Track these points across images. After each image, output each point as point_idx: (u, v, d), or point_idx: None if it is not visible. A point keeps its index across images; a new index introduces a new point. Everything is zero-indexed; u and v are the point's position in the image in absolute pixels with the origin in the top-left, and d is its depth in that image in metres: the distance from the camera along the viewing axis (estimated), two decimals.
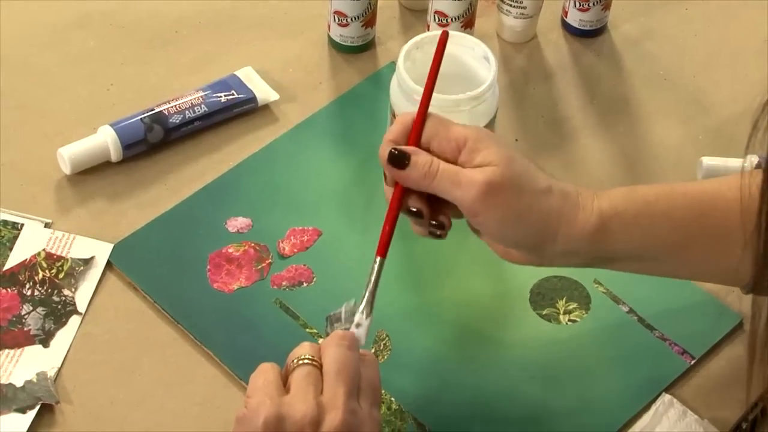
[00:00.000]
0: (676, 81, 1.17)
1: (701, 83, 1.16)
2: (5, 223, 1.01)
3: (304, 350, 0.81)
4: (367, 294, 0.84)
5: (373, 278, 0.85)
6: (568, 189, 0.86)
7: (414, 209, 0.85)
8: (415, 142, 0.85)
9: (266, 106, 1.11)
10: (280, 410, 0.77)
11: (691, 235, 0.87)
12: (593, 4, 1.17)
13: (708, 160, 1.07)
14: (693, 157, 1.08)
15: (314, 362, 0.80)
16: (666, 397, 0.93)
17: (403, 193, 0.85)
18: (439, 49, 0.89)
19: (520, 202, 0.83)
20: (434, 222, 0.86)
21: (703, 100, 1.15)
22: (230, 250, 1.01)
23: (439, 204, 0.86)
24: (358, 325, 0.84)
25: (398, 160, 0.84)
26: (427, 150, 0.84)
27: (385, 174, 0.86)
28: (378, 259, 0.85)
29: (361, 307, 0.84)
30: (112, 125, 1.05)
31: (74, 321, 0.96)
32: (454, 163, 0.84)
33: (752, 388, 0.71)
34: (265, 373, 0.80)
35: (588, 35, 1.19)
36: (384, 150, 0.84)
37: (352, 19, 1.13)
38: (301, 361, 0.80)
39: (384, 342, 0.96)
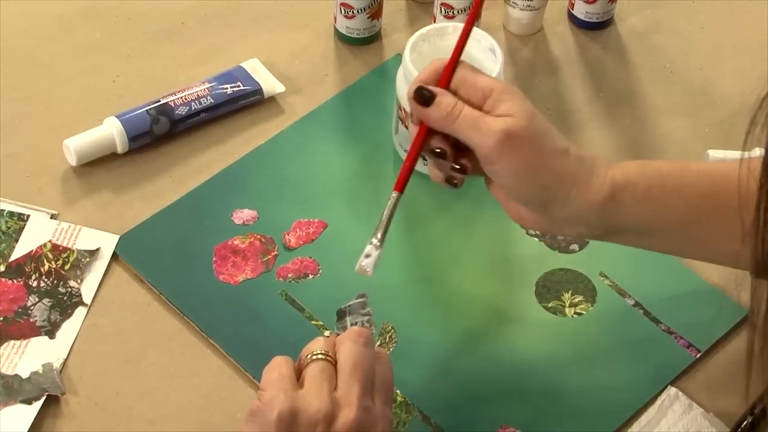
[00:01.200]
0: (683, 74, 1.17)
1: (708, 76, 1.16)
2: (11, 214, 1.01)
3: (318, 345, 0.81)
4: (381, 225, 0.84)
5: (386, 212, 0.84)
6: (585, 155, 0.86)
7: (438, 149, 0.85)
8: (444, 86, 0.86)
9: (272, 98, 1.11)
10: (295, 404, 0.77)
11: (703, 212, 0.86)
12: None
13: (714, 153, 1.07)
14: (699, 150, 1.08)
15: (328, 357, 0.80)
16: (671, 390, 0.93)
17: (427, 133, 0.85)
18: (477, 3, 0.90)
19: (536, 157, 0.84)
20: (456, 166, 0.86)
21: (710, 93, 1.15)
22: (236, 242, 1.01)
23: (462, 152, 0.86)
24: (367, 256, 0.83)
25: (424, 98, 0.84)
26: (455, 95, 0.85)
27: (411, 113, 0.86)
28: (394, 194, 0.85)
29: (375, 236, 0.84)
30: (118, 117, 1.05)
31: (80, 312, 0.97)
32: (479, 110, 0.85)
33: (752, 383, 0.71)
34: (279, 367, 0.80)
35: (594, 28, 1.19)
36: (412, 88, 0.85)
37: (358, 11, 1.13)
38: (315, 356, 0.80)
39: (390, 334, 0.96)
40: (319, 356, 0.80)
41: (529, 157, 0.83)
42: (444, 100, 0.84)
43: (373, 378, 0.80)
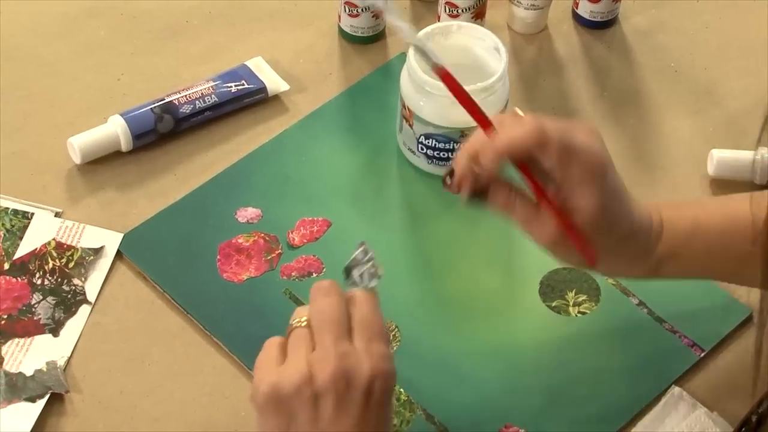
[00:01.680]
0: (687, 73, 1.17)
1: (712, 75, 1.16)
2: (15, 212, 1.01)
3: (297, 314, 0.81)
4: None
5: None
6: (644, 225, 0.87)
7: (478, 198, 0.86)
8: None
9: (276, 97, 1.11)
10: (273, 379, 0.77)
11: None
12: None
13: (719, 153, 1.06)
14: (704, 150, 1.08)
15: (302, 322, 0.79)
16: (675, 390, 0.93)
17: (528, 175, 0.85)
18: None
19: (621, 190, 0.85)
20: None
21: (714, 93, 1.15)
22: (240, 241, 1.01)
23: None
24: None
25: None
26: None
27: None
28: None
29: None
30: (122, 115, 1.06)
31: (84, 310, 0.97)
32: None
33: (759, 383, 0.71)
34: (266, 350, 0.80)
35: (599, 27, 1.19)
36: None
37: (362, 10, 1.13)
38: (293, 327, 0.80)
39: (393, 333, 0.96)
40: (295, 324, 0.79)
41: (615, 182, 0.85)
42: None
43: (347, 322, 0.79)
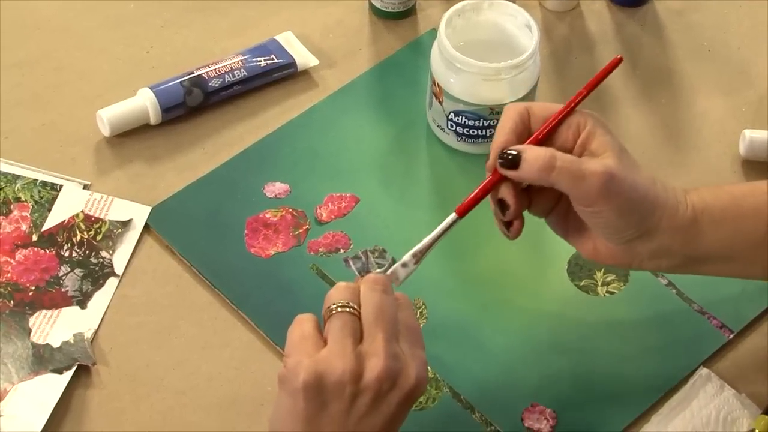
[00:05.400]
0: (720, 52, 1.16)
1: (745, 55, 1.15)
2: (44, 184, 1.02)
3: (339, 294, 0.80)
4: (426, 244, 0.84)
5: (436, 231, 0.84)
6: (664, 182, 0.85)
7: (501, 200, 0.85)
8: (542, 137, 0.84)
9: (306, 72, 1.11)
10: (318, 368, 0.76)
11: None
12: None
13: (751, 133, 1.06)
14: (736, 130, 1.07)
15: (350, 309, 0.79)
16: (703, 371, 0.93)
17: (498, 182, 0.84)
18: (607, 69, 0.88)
19: (634, 191, 0.82)
20: (506, 220, 0.86)
21: (747, 72, 1.14)
22: (268, 216, 1.01)
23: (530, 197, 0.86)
24: (404, 265, 0.83)
25: (511, 162, 0.82)
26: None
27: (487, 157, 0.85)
28: (453, 215, 0.84)
29: (415, 249, 0.84)
30: (151, 88, 1.05)
31: (111, 283, 0.97)
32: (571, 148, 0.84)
33: None
34: (301, 326, 0.79)
35: (632, 5, 1.18)
36: (492, 157, 0.84)
37: None
38: (336, 309, 0.79)
39: (420, 310, 0.96)
40: (340, 308, 0.79)
41: (629, 192, 0.82)
42: (533, 154, 0.82)
43: (398, 324, 0.79)
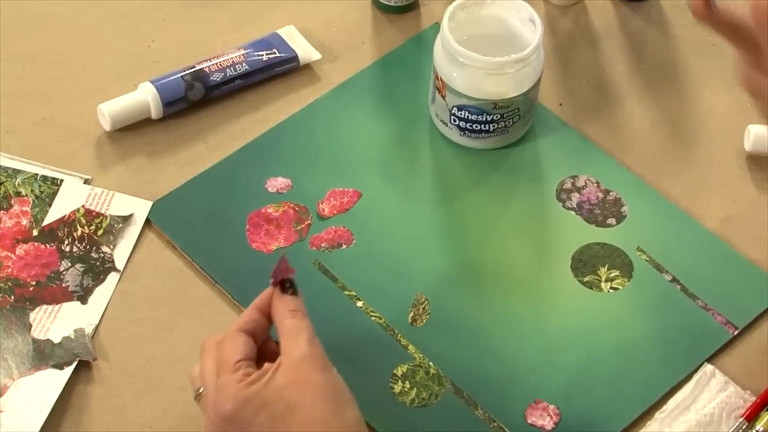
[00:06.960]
0: (725, 47, 1.14)
1: None
2: (45, 178, 1.01)
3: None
4: None
5: None
6: None
7: None
8: None
9: (308, 66, 1.11)
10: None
11: None
12: None
13: (756, 128, 1.05)
14: (741, 125, 1.07)
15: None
16: (708, 368, 0.92)
17: None
18: None
19: None
20: None
21: None
22: (269, 210, 1.00)
23: None
24: None
25: None
26: None
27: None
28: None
29: None
30: (152, 82, 1.05)
31: (112, 278, 0.96)
32: None
33: None
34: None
35: None
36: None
37: None
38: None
39: (423, 306, 0.95)
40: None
41: None
42: None
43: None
